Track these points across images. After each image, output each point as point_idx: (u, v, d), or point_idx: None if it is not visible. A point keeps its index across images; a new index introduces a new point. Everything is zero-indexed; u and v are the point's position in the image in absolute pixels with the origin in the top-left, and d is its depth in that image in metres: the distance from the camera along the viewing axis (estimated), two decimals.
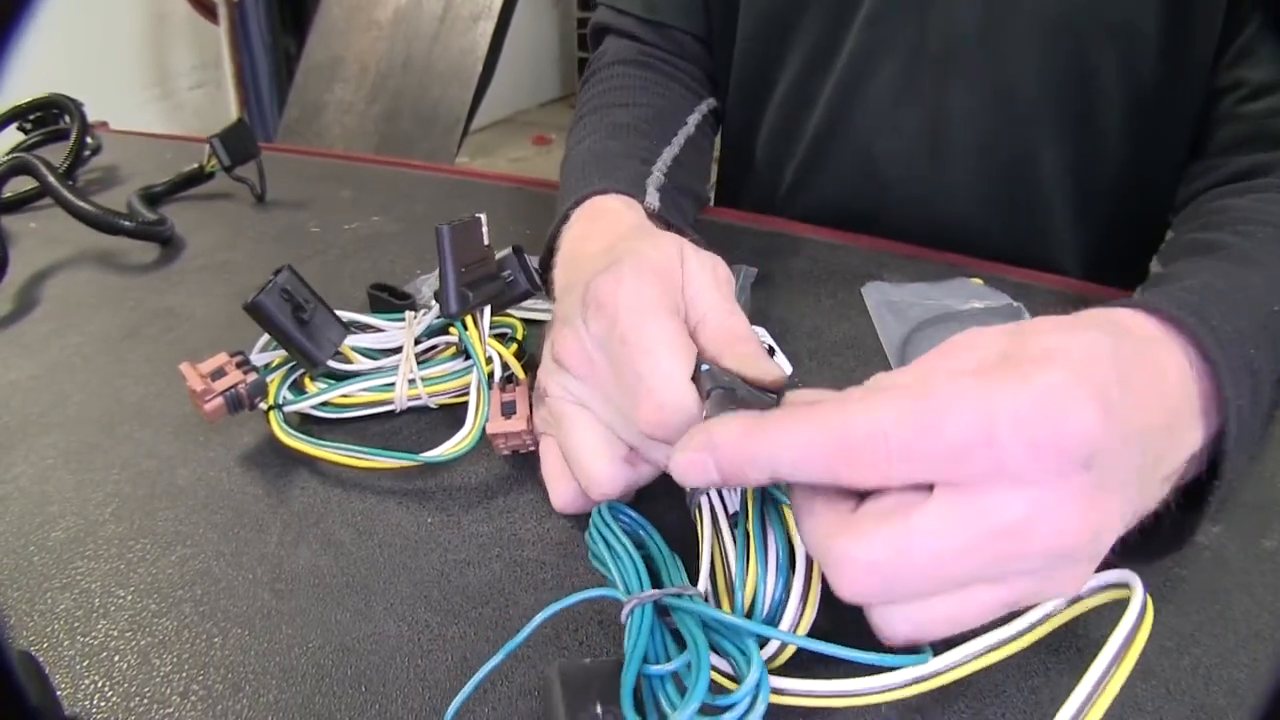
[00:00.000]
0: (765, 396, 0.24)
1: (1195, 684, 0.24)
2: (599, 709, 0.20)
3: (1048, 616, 0.23)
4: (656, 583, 0.24)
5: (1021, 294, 0.43)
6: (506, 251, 0.35)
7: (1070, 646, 0.25)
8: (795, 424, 0.20)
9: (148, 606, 0.27)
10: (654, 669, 0.20)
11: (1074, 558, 0.20)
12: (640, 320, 0.25)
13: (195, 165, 0.59)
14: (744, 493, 0.25)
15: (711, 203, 0.57)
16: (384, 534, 0.29)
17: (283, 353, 0.35)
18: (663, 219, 0.38)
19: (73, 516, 0.31)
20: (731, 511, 0.25)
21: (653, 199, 0.39)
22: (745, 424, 0.20)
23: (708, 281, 0.27)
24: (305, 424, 0.35)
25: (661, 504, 0.29)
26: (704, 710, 0.19)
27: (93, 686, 0.24)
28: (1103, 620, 0.23)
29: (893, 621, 0.20)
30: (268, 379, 0.34)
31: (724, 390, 0.23)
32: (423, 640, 0.25)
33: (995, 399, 0.18)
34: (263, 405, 0.33)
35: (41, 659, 0.24)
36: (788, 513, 0.24)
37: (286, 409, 0.33)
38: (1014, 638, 0.22)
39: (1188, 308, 0.24)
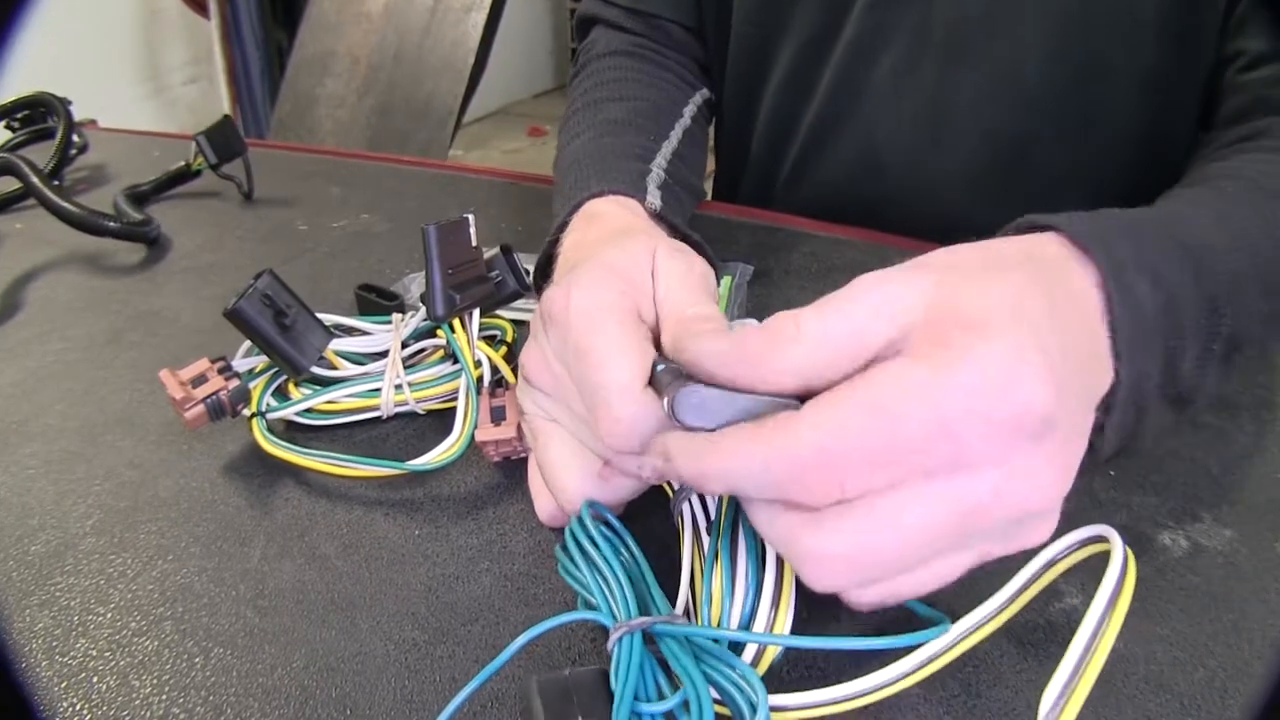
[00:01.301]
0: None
1: (1211, 697, 0.23)
2: None
3: (1032, 581, 0.22)
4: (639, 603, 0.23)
5: None
6: (495, 251, 0.34)
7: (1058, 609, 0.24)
8: (745, 447, 0.19)
9: (128, 625, 0.26)
10: (646, 708, 0.19)
11: (1042, 514, 0.21)
12: (591, 329, 0.24)
13: (182, 164, 0.58)
14: (719, 498, 0.24)
15: (708, 196, 0.56)
16: (370, 547, 0.28)
17: (263, 360, 0.34)
18: (665, 220, 0.37)
19: (53, 529, 0.30)
20: (713, 519, 0.24)
21: (654, 198, 0.37)
22: (699, 445, 0.20)
23: (678, 280, 0.25)
24: (290, 431, 0.34)
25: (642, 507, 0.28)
26: None
27: (70, 710, 0.23)
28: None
29: (864, 596, 0.20)
30: (250, 385, 0.33)
31: (681, 379, 0.21)
32: (410, 660, 0.24)
33: (943, 391, 0.18)
34: (245, 412, 0.32)
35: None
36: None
37: (270, 416, 0.32)
38: (1001, 608, 0.22)
39: (1088, 224, 0.24)
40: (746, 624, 0.21)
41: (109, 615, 0.26)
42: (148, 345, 0.41)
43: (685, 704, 0.19)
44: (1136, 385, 0.24)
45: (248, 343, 0.34)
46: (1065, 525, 0.29)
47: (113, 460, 0.33)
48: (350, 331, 0.36)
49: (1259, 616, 0.25)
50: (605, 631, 0.21)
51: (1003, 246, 0.23)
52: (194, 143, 0.56)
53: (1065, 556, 0.23)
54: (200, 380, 0.31)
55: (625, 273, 0.26)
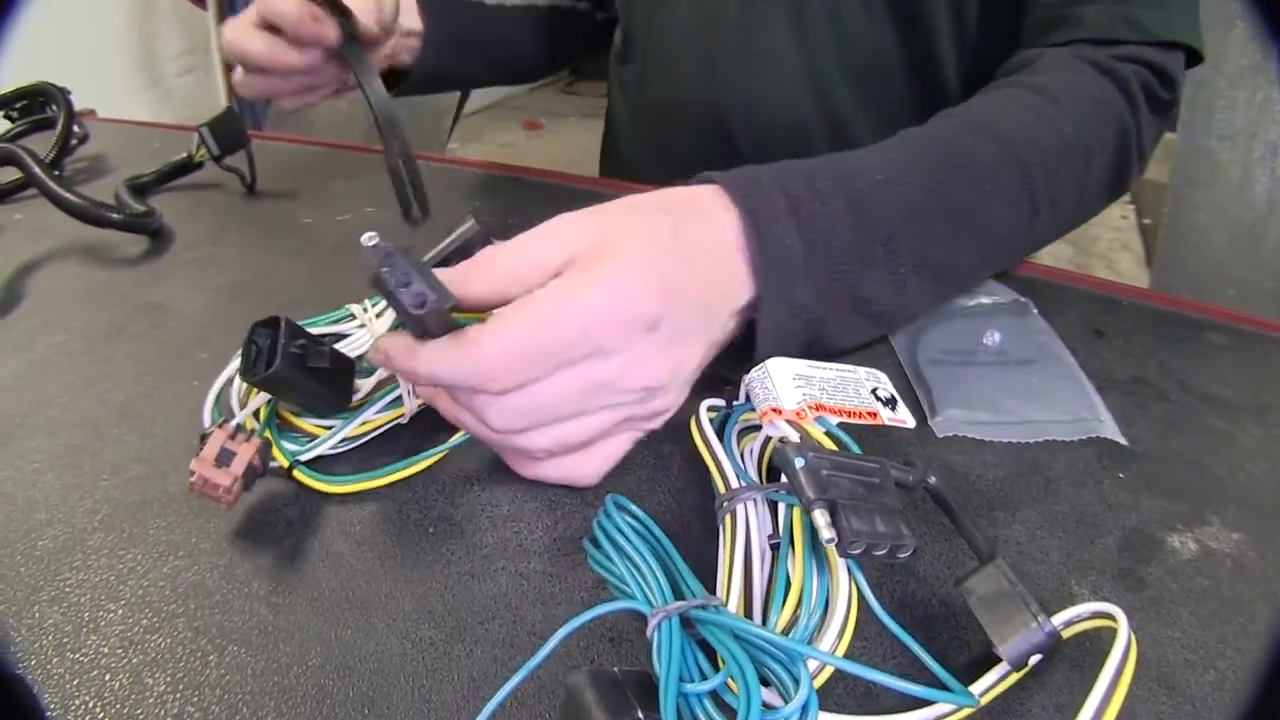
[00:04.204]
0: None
1: (1221, 699, 0.23)
2: (641, 715, 0.19)
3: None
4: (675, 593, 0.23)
5: (1028, 290, 0.42)
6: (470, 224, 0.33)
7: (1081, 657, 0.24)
8: (445, 353, 0.25)
9: (140, 621, 0.26)
10: (691, 688, 0.19)
11: (663, 388, 0.28)
12: None
13: (184, 155, 0.57)
14: (789, 520, 0.24)
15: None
16: (384, 544, 0.28)
17: (263, 400, 0.31)
18: None
19: (60, 524, 0.29)
20: (768, 532, 0.24)
21: None
22: (409, 346, 0.25)
23: None
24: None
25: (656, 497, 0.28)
26: None
27: (83, 707, 0.23)
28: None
29: (534, 440, 0.27)
30: (263, 435, 0.30)
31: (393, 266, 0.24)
32: (427, 659, 0.24)
33: (583, 300, 0.25)
34: (276, 464, 0.30)
35: (30, 678, 0.23)
36: (830, 551, 0.24)
37: (304, 458, 0.30)
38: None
39: (745, 177, 0.30)
40: (808, 638, 0.21)
41: (120, 612, 0.26)
42: (151, 338, 0.41)
43: (727, 683, 0.19)
44: (786, 301, 0.30)
45: (261, 396, 0.31)
46: (1079, 526, 0.29)
47: (119, 454, 0.33)
48: (339, 339, 0.34)
49: (1268, 619, 0.25)
50: (625, 633, 0.21)
51: (664, 193, 0.30)
52: (196, 134, 0.55)
53: (1076, 623, 0.23)
54: (227, 456, 0.28)
55: None
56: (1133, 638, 0.22)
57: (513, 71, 0.59)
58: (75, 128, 0.60)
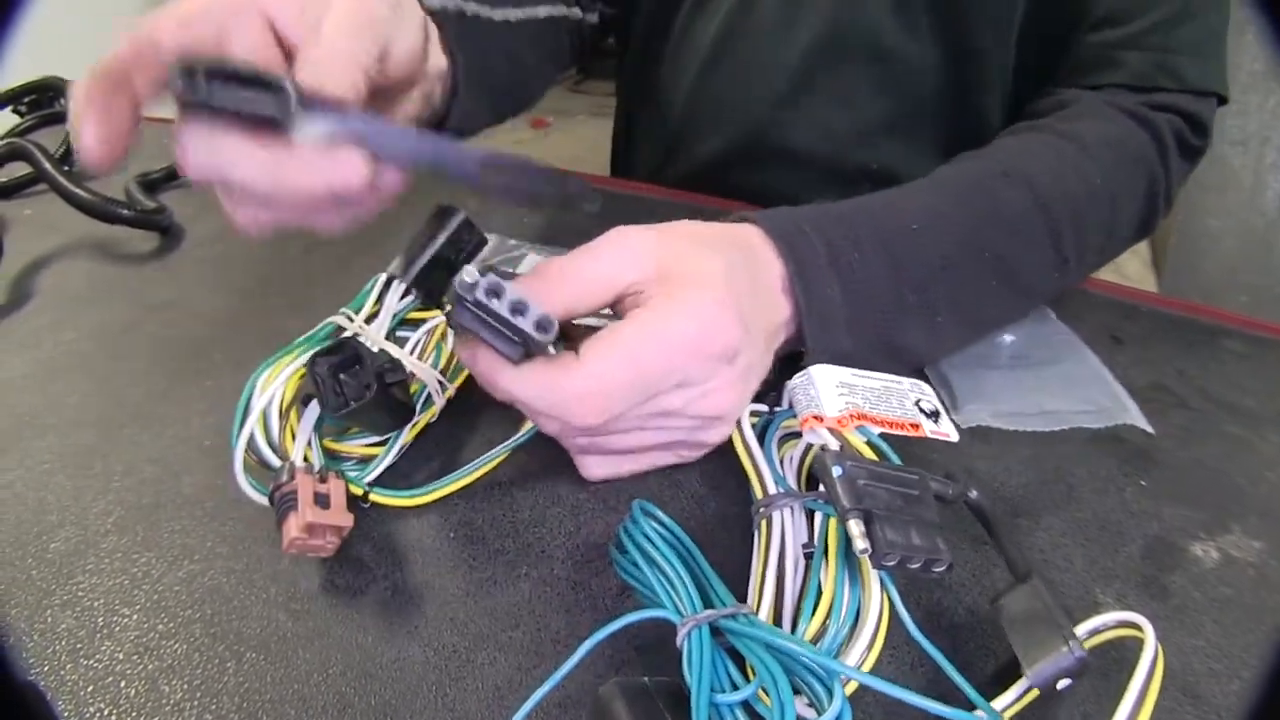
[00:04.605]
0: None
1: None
2: None
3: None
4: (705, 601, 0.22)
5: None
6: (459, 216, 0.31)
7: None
8: (533, 380, 0.25)
9: (155, 627, 0.25)
10: (722, 698, 0.19)
11: (725, 420, 0.28)
12: None
13: None
14: (825, 529, 0.24)
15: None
16: (403, 549, 0.28)
17: (305, 437, 0.29)
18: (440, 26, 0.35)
19: (72, 526, 0.29)
20: (804, 540, 0.24)
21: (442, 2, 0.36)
22: (495, 365, 0.25)
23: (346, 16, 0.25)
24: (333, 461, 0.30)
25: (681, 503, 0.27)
26: None
27: (98, 715, 0.23)
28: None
29: (590, 466, 0.29)
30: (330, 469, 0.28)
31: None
32: (450, 667, 0.24)
33: (675, 333, 0.25)
34: (359, 492, 0.28)
35: (43, 685, 0.23)
36: (864, 562, 0.24)
37: (366, 480, 0.29)
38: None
39: (779, 218, 0.31)
40: (836, 650, 0.21)
41: (135, 617, 0.25)
42: (164, 336, 0.40)
43: (760, 692, 0.18)
44: (828, 351, 0.31)
45: (303, 434, 0.29)
46: (1102, 534, 0.29)
47: (132, 455, 0.32)
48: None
49: None
50: (650, 641, 0.21)
51: (715, 227, 0.30)
52: None
53: (1101, 633, 0.23)
54: (323, 501, 0.26)
55: None
56: (1159, 649, 0.22)
57: (520, 99, 0.51)
58: None
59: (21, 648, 0.24)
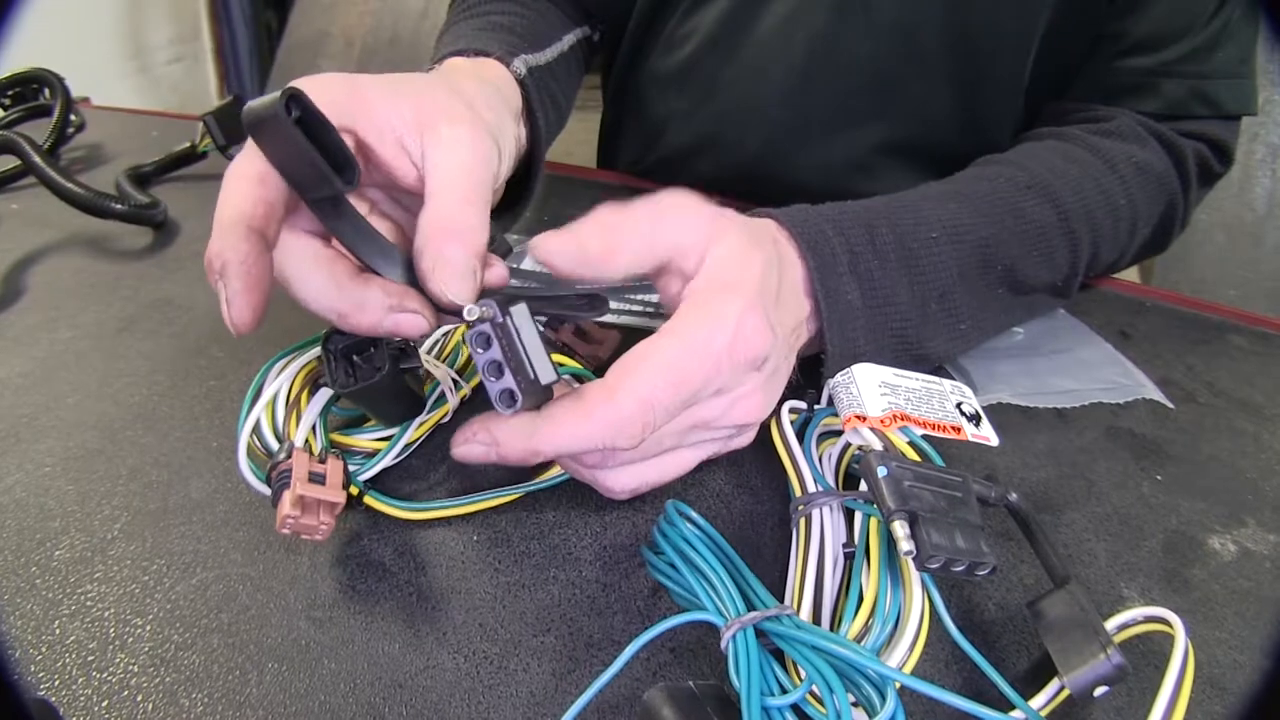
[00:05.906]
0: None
1: None
2: None
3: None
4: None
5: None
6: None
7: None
8: (574, 424, 0.23)
9: (170, 638, 0.24)
10: (772, 701, 0.18)
11: (753, 426, 0.28)
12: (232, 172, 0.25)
13: (187, 144, 0.55)
14: (865, 529, 0.24)
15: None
16: (426, 552, 0.27)
17: (310, 421, 0.27)
18: (526, 91, 0.37)
19: (77, 533, 0.28)
20: (843, 540, 0.23)
21: (520, 67, 0.38)
22: (527, 426, 0.24)
23: (460, 156, 0.26)
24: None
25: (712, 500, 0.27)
26: None
27: None
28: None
29: (620, 477, 0.26)
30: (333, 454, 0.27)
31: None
32: (483, 674, 0.23)
33: (713, 342, 0.24)
34: (355, 492, 0.27)
35: (54, 699, 0.22)
36: (906, 564, 0.23)
37: (363, 477, 0.28)
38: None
39: (801, 218, 0.31)
40: (878, 650, 0.21)
41: (148, 628, 0.25)
42: (163, 335, 0.39)
43: (809, 695, 0.18)
44: (849, 355, 0.31)
45: (308, 418, 0.27)
46: (1123, 529, 0.29)
47: (136, 458, 0.31)
48: None
49: None
50: (688, 644, 0.20)
51: (752, 223, 0.29)
52: (201, 123, 0.53)
53: (1130, 628, 0.23)
54: (316, 478, 0.25)
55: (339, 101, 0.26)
56: (1190, 645, 0.22)
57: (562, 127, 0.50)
58: (72, 115, 0.58)
59: (29, 661, 0.23)
